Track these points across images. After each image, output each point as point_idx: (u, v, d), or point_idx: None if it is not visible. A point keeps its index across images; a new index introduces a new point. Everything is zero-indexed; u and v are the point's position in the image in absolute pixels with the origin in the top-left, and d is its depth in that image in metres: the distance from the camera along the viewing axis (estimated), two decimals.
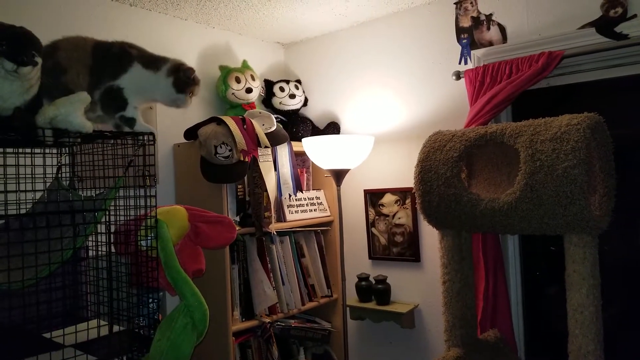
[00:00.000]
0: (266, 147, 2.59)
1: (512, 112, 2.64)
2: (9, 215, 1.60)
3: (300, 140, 2.81)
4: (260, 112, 2.74)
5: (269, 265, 2.75)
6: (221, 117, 2.51)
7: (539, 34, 2.43)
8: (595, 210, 1.88)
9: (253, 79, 2.95)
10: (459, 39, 2.69)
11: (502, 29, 2.55)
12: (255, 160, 2.59)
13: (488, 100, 2.38)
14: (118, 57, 1.64)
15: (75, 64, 1.57)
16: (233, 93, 2.87)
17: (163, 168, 2.72)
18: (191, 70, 1.71)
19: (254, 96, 2.95)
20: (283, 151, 2.84)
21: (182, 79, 1.69)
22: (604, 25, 2.24)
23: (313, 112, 3.34)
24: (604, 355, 1.87)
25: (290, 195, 2.90)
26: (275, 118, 2.80)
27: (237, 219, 2.65)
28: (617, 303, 2.42)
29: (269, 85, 3.17)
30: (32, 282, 1.37)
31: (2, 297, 1.51)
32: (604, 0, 2.23)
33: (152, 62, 1.69)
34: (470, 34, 2.65)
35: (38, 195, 1.73)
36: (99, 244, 1.73)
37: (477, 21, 2.62)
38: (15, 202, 1.65)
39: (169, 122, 2.74)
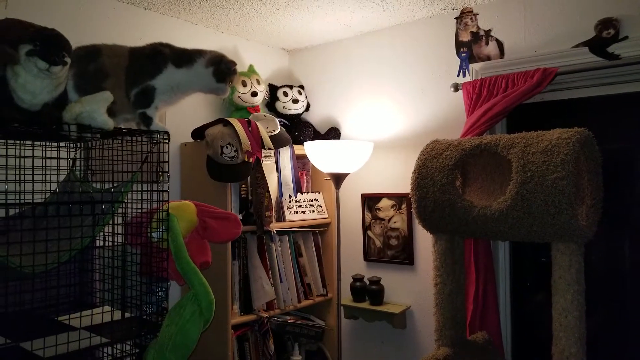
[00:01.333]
0: (269, 149, 2.68)
1: (507, 124, 2.73)
2: (28, 204, 1.69)
3: (302, 144, 2.90)
4: (264, 116, 2.83)
5: (268, 262, 2.84)
6: (228, 118, 2.60)
7: (535, 51, 2.53)
8: (582, 221, 1.97)
9: (258, 83, 3.04)
10: (458, 53, 2.80)
11: (500, 45, 2.65)
12: (258, 162, 2.68)
13: (484, 112, 2.47)
14: (151, 57, 1.73)
15: (115, 69, 1.66)
16: (239, 96, 2.96)
17: (170, 166, 2.78)
18: (232, 62, 1.82)
19: (259, 100, 3.03)
20: (285, 154, 2.92)
21: (224, 70, 1.79)
22: (597, 45, 2.34)
23: (315, 117, 3.43)
24: (586, 358, 1.95)
25: (290, 196, 2.98)
26: (279, 122, 2.89)
27: (240, 217, 2.72)
28: (601, 309, 2.51)
29: (273, 89, 3.25)
30: (53, 266, 1.47)
31: (21, 281, 1.60)
32: (598, 22, 2.33)
33: (186, 58, 1.77)
34: (469, 48, 2.75)
35: (57, 186, 1.82)
36: (113, 234, 1.82)
37: (476, 36, 2.73)
38: (40, 191, 1.74)
39: (177, 122, 2.82)
